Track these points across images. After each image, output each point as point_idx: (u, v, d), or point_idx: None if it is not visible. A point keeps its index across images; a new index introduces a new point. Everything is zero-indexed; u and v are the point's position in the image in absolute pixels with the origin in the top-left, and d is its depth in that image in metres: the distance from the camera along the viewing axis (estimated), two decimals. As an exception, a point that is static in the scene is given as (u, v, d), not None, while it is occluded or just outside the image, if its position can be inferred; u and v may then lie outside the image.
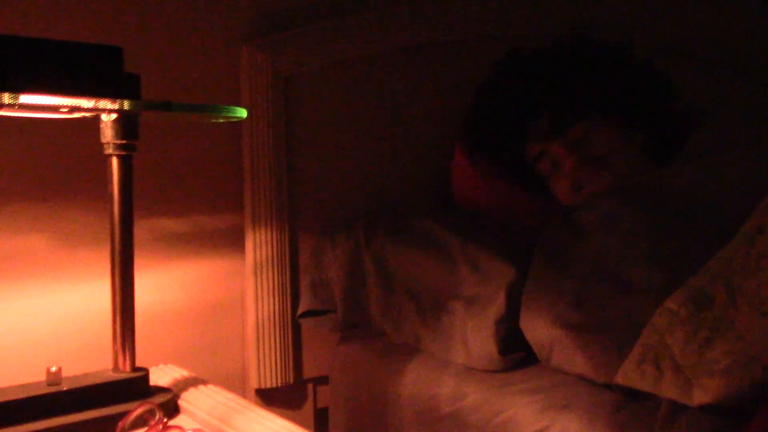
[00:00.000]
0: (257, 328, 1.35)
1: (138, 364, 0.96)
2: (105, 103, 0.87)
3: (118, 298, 0.94)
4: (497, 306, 1.11)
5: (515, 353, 1.11)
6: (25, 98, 0.81)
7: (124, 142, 0.92)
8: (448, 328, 1.17)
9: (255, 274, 1.34)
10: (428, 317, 1.21)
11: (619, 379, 0.89)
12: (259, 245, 1.34)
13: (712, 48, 1.89)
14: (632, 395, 0.95)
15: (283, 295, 1.36)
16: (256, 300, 1.35)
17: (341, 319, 1.33)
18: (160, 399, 0.93)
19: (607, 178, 1.32)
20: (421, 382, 1.18)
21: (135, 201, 0.95)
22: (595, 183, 1.33)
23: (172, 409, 0.95)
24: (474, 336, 1.13)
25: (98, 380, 0.91)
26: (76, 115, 0.94)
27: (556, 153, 1.36)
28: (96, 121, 0.94)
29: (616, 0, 1.81)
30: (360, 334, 1.38)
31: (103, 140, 0.93)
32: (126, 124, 0.92)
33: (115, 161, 0.93)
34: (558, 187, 1.39)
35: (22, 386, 0.88)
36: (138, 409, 0.82)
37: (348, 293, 1.31)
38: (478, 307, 1.14)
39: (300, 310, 1.37)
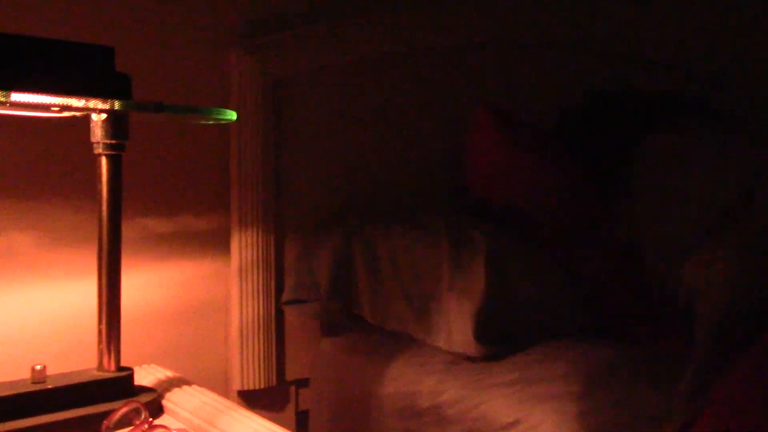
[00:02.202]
0: (241, 329, 1.35)
1: (122, 363, 0.96)
2: (96, 103, 0.87)
3: (104, 298, 0.94)
4: (478, 292, 1.13)
5: (494, 344, 1.13)
6: (16, 96, 0.81)
7: (113, 141, 0.93)
8: (433, 312, 1.19)
9: (240, 275, 1.35)
10: (414, 301, 1.23)
11: None
12: (244, 247, 1.35)
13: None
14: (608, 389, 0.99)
15: (267, 297, 1.37)
16: (241, 302, 1.35)
17: (326, 306, 1.33)
18: (144, 399, 0.93)
19: None
20: (402, 380, 1.20)
21: (122, 201, 0.95)
22: None
23: (156, 408, 0.96)
24: (455, 321, 1.15)
25: (83, 379, 0.92)
26: (66, 114, 0.94)
27: None
28: (86, 120, 0.94)
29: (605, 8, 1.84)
30: (342, 329, 1.39)
31: (93, 140, 0.93)
32: (116, 124, 0.92)
33: (104, 161, 0.93)
34: None
35: (7, 384, 0.88)
36: (123, 408, 0.82)
37: (335, 279, 1.31)
38: (460, 292, 1.16)
39: (285, 298, 1.36)
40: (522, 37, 1.68)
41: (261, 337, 1.37)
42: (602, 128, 1.61)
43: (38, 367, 0.89)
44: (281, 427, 0.89)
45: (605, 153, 1.56)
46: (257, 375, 1.37)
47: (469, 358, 1.16)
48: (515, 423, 1.00)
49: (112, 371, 0.94)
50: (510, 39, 1.67)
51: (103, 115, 0.92)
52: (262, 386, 1.37)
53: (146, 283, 1.29)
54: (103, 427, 0.81)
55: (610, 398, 0.99)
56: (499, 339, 1.16)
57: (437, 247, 1.23)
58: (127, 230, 1.23)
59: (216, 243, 1.36)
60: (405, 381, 1.19)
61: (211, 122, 1.18)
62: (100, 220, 0.94)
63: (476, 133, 1.41)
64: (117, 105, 0.88)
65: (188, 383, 1.05)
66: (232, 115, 0.99)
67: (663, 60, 1.88)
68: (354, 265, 1.31)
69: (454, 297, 1.17)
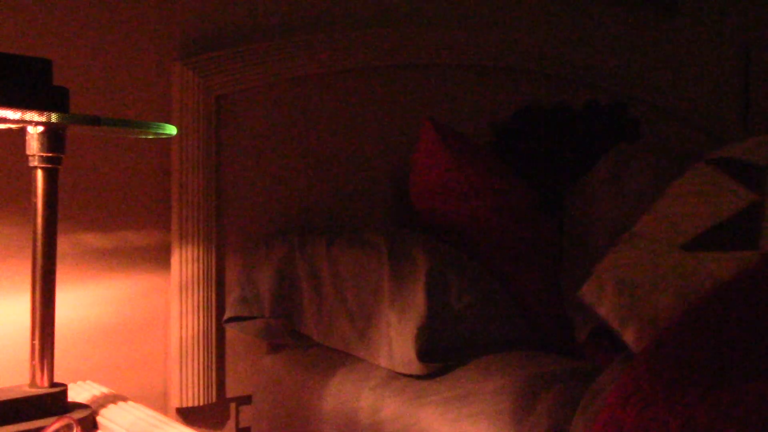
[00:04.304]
0: (180, 346, 1.34)
1: (57, 380, 0.95)
2: (32, 116, 0.87)
3: (38, 313, 0.93)
4: (418, 310, 1.14)
5: (436, 361, 1.14)
6: (-51, 107, 0.80)
7: (50, 155, 0.92)
8: (375, 331, 1.20)
9: (180, 291, 1.34)
10: (356, 320, 1.23)
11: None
12: (185, 263, 1.34)
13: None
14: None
15: (208, 313, 1.36)
16: (181, 318, 1.34)
17: (269, 323, 1.32)
18: (77, 415, 0.91)
19: None
20: (342, 396, 1.20)
21: (59, 214, 0.94)
22: None
23: (90, 425, 0.94)
24: (397, 340, 1.15)
25: (14, 395, 0.90)
26: (1, 126, 0.93)
27: None
28: (22, 132, 0.93)
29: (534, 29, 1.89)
30: (285, 345, 1.39)
31: (29, 152, 0.92)
32: (53, 137, 0.92)
33: (40, 174, 0.92)
34: None
35: (-66, 400, 0.86)
36: (55, 424, 0.81)
37: (278, 296, 1.31)
38: (401, 310, 1.16)
39: (227, 315, 1.35)
40: (457, 59, 1.73)
41: (201, 353, 1.36)
42: (533, 143, 1.69)
43: (-32, 383, 0.88)
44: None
45: (543, 170, 1.62)
46: (197, 392, 1.36)
47: (411, 376, 1.17)
48: None
49: (45, 387, 0.93)
50: (446, 60, 1.71)
51: (40, 128, 0.91)
52: (202, 403, 1.36)
53: (83, 298, 1.27)
54: (34, 443, 0.80)
55: (544, 420, 1.00)
56: (441, 356, 1.16)
57: (378, 264, 1.24)
58: (64, 245, 1.22)
59: (156, 258, 1.35)
60: (345, 397, 1.20)
61: (150, 137, 1.18)
62: (34, 233, 0.93)
63: (422, 148, 1.42)
64: (54, 118, 0.88)
65: (124, 399, 1.04)
66: (172, 130, 0.99)
67: (577, 78, 1.96)
68: (297, 281, 1.31)
69: (395, 315, 1.17)
